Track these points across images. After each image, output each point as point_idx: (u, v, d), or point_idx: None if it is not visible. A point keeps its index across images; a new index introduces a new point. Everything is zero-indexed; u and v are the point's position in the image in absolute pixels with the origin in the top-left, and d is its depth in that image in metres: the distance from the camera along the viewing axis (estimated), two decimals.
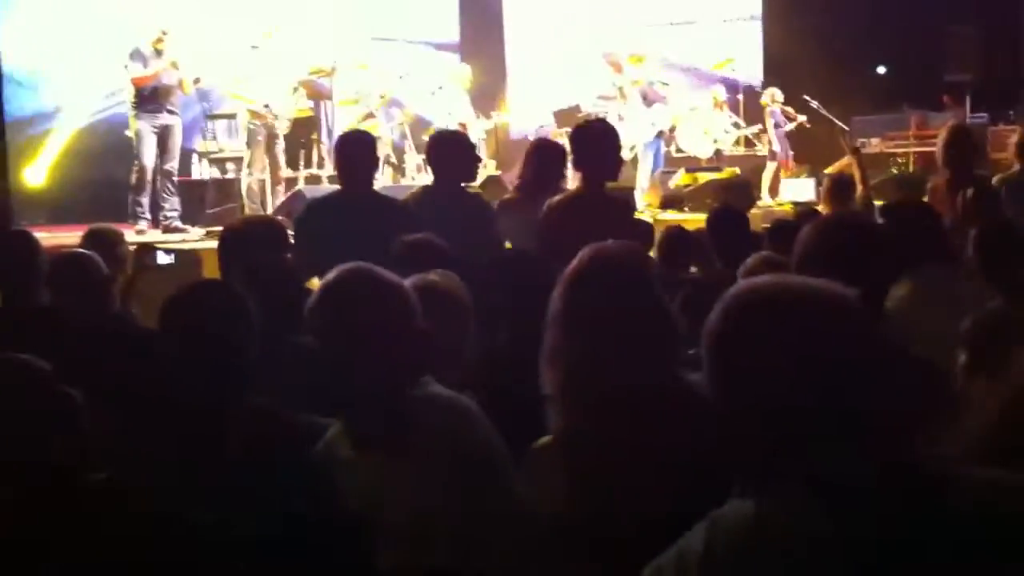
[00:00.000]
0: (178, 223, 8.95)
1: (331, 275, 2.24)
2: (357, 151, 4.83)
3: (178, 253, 6.81)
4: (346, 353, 2.18)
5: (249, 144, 9.26)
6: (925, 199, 5.39)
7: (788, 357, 1.37)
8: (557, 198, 4.54)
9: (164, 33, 8.83)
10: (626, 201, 4.73)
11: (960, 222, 4.71)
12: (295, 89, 9.76)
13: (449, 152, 4.99)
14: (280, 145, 9.39)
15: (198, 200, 9.95)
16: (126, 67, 8.82)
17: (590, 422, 2.02)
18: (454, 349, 2.70)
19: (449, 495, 2.10)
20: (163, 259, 6.78)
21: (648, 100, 11.20)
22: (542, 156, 5.14)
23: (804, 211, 5.94)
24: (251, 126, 9.22)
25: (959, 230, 4.25)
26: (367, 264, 2.27)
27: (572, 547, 1.96)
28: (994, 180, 5.76)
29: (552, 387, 2.08)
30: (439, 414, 2.18)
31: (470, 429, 2.21)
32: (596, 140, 4.66)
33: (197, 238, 8.53)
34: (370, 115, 10.54)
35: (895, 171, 11.56)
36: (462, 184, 5.04)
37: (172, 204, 9.02)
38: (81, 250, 4.09)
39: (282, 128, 9.39)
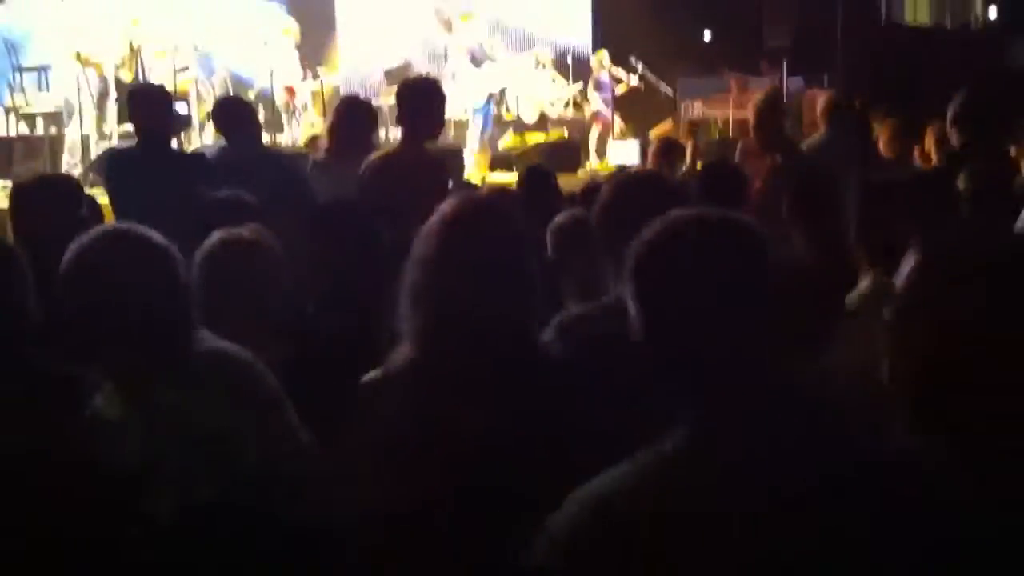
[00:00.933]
0: None
1: (84, 238, 2.19)
2: (150, 107, 4.69)
3: None
4: (99, 316, 2.16)
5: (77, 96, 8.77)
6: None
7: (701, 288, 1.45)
8: (375, 155, 4.48)
9: None
10: (443, 162, 4.67)
11: (766, 186, 4.87)
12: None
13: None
14: (112, 97, 8.96)
15: (5, 159, 9.43)
16: None
17: (446, 361, 2.06)
18: (261, 302, 2.71)
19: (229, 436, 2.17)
20: None
21: (477, 60, 11.19)
22: (351, 115, 5.07)
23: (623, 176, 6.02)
24: (80, 78, 8.69)
25: (766, 194, 4.40)
26: (125, 224, 2.26)
27: (404, 471, 2.00)
28: (803, 145, 5.97)
29: (412, 323, 2.09)
30: (213, 367, 2.21)
31: (248, 379, 2.26)
32: (418, 97, 4.58)
33: None
34: (185, 68, 10.14)
35: (716, 135, 11.89)
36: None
37: None
38: None
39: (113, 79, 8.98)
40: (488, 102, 11.14)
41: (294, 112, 11.38)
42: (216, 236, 2.70)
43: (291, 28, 10.88)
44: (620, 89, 12.09)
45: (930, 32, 14.97)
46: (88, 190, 7.16)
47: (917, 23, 14.41)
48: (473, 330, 2.04)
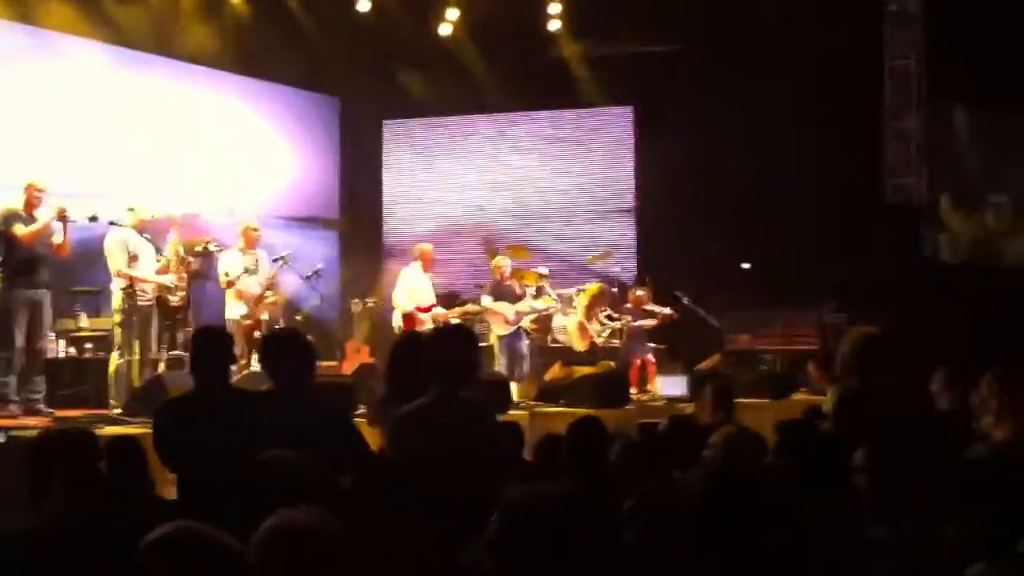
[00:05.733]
0: (41, 406, 8.42)
1: (159, 531, 2.01)
2: (211, 344, 4.63)
3: (12, 437, 6.41)
4: None
5: (122, 324, 8.73)
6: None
7: None
8: (406, 409, 4.32)
9: (38, 189, 8.39)
10: (483, 406, 4.54)
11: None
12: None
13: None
14: (155, 326, 8.93)
15: (51, 380, 9.43)
16: (5, 230, 8.29)
17: None
18: None
19: None
20: None
21: (522, 291, 11.29)
22: (401, 357, 5.02)
23: (677, 419, 5.90)
24: (125, 305, 8.67)
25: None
26: (197, 525, 2.10)
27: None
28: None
29: None
30: None
31: None
32: (449, 347, 4.49)
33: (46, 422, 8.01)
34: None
35: (764, 368, 11.79)
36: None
37: (36, 385, 8.50)
38: None
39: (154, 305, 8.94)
40: (514, 335, 11.18)
41: None
42: (269, 524, 2.49)
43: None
44: (649, 322, 11.97)
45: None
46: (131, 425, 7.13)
47: (957, 260, 14.48)
48: None
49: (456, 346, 4.50)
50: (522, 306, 11.38)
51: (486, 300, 11.25)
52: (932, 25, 13.78)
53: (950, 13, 13.02)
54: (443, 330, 5.45)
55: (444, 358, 4.42)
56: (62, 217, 8.37)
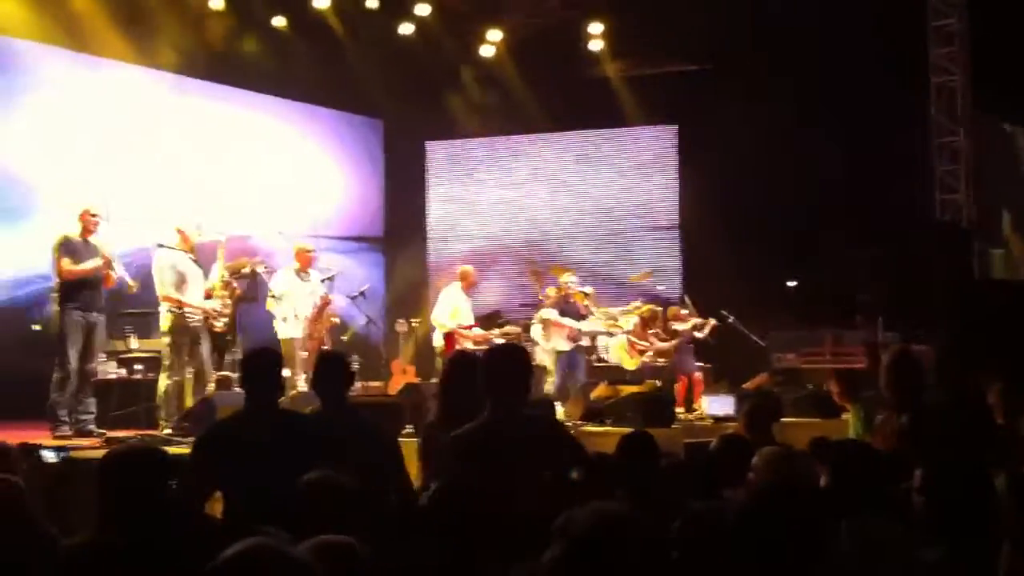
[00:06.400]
0: (92, 426, 8.48)
1: (233, 551, 2.04)
2: (261, 365, 4.67)
3: (66, 458, 6.47)
4: None
5: (170, 345, 8.70)
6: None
7: None
8: (461, 431, 4.25)
9: (92, 215, 8.42)
10: (549, 421, 4.52)
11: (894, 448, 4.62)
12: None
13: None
14: (206, 346, 8.92)
15: (102, 401, 9.55)
16: (58, 258, 8.31)
17: None
18: None
19: None
20: (49, 457, 6.45)
21: (569, 311, 11.26)
22: (456, 376, 4.99)
23: (726, 438, 5.85)
24: (174, 326, 8.62)
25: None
26: (271, 542, 2.09)
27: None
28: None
29: None
30: None
31: None
32: (506, 364, 4.41)
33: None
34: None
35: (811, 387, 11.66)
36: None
37: (88, 407, 8.51)
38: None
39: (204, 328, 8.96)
40: (573, 352, 11.13)
41: None
42: (307, 547, 2.51)
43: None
44: (702, 331, 11.90)
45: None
46: (182, 445, 7.17)
47: (1010, 278, 14.28)
48: None
49: (512, 363, 4.43)
50: (587, 324, 11.34)
51: (551, 313, 11.14)
52: (978, 42, 13.67)
53: (996, 30, 12.91)
54: (499, 348, 5.37)
55: (502, 375, 4.34)
56: (108, 266, 8.41)
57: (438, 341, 11.07)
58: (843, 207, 12.80)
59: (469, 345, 10.63)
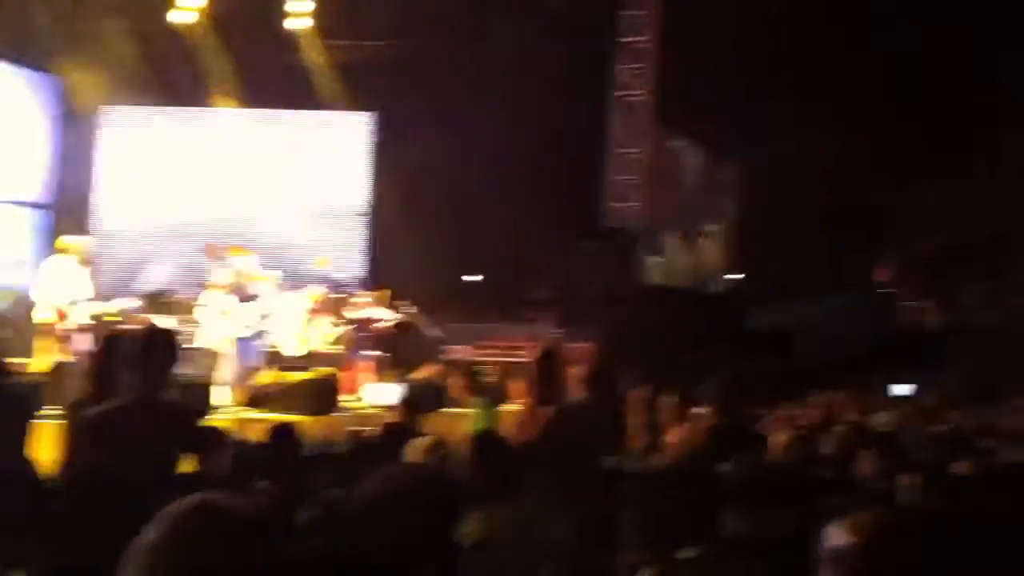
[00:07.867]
0: None
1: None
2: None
3: None
4: None
5: None
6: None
7: None
8: (95, 410, 4.12)
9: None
10: (182, 408, 4.35)
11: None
12: None
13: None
14: None
15: None
16: None
17: None
18: None
19: None
20: None
21: (243, 295, 10.90)
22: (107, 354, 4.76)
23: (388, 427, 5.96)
24: None
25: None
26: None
27: None
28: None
29: None
30: None
31: None
32: (143, 347, 4.30)
33: None
34: None
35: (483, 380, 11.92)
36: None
37: None
38: None
39: None
40: (251, 336, 10.79)
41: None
42: None
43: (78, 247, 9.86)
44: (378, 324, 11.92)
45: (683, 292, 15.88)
46: None
47: (673, 284, 15.28)
48: None
49: (151, 346, 4.30)
50: (261, 308, 10.96)
51: (222, 299, 10.63)
52: (664, 61, 14.48)
53: (683, 51, 13.69)
54: (143, 331, 5.15)
55: (141, 357, 4.23)
56: None
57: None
58: (522, 209, 13.19)
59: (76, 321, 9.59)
